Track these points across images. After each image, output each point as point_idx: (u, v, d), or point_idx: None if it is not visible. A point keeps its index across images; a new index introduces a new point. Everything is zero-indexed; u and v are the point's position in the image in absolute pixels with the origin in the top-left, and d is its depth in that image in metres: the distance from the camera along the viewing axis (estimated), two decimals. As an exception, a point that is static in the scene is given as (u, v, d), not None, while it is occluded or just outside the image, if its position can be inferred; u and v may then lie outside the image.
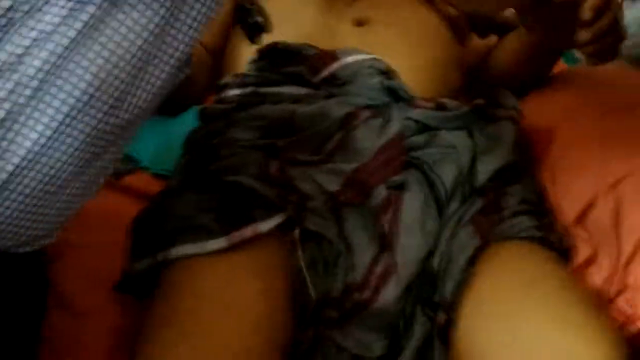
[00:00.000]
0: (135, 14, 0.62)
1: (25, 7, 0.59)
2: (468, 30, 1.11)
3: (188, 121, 1.04)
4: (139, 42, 0.62)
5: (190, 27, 0.67)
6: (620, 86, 0.98)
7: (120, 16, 0.62)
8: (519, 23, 0.97)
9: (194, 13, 0.66)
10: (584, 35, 0.79)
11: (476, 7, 0.82)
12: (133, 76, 0.64)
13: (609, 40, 0.80)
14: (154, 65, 0.65)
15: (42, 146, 0.61)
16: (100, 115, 0.63)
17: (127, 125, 0.68)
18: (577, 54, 1.33)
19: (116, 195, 0.95)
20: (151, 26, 0.62)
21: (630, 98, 0.94)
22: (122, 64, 0.62)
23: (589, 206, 0.86)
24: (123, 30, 0.62)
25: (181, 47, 0.67)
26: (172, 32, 0.65)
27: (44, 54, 0.60)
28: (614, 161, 0.86)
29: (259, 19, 0.91)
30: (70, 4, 0.59)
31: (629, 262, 0.81)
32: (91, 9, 0.60)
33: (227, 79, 1.01)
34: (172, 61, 0.66)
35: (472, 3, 0.79)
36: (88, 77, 0.61)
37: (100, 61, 0.61)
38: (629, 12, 1.10)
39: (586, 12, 0.77)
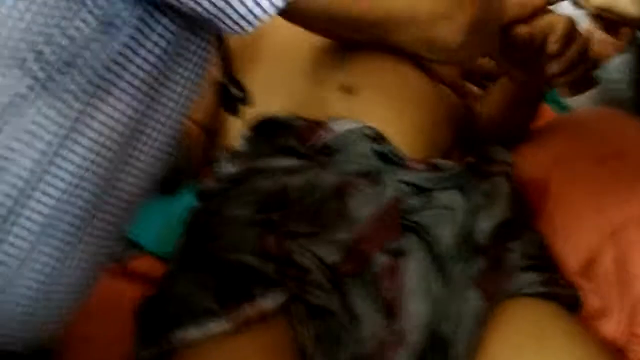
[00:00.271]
0: (118, 104, 0.63)
1: (13, 110, 0.60)
2: (463, 86, 1.13)
3: (188, 201, 1.04)
4: (121, 128, 0.63)
5: (172, 110, 0.68)
6: (609, 132, 0.98)
7: (104, 107, 0.63)
8: (496, 69, 0.99)
9: (175, 97, 0.68)
10: (553, 67, 0.79)
11: (447, 59, 0.83)
12: (117, 163, 0.64)
13: (580, 70, 0.80)
14: (137, 150, 0.66)
15: (33, 244, 0.62)
16: (88, 206, 0.64)
17: (120, 212, 0.68)
18: (563, 98, 1.34)
19: (120, 282, 0.95)
20: (130, 112, 0.63)
21: (620, 144, 0.95)
22: (105, 152, 0.63)
23: (592, 256, 0.85)
24: (105, 120, 0.63)
25: (164, 129, 0.68)
26: (154, 115, 0.66)
27: (33, 154, 0.60)
28: (611, 209, 0.86)
29: (237, 92, 0.92)
30: (58, 104, 0.60)
31: (636, 310, 0.80)
32: (78, 105, 0.61)
33: (220, 154, 1.02)
34: (155, 144, 0.67)
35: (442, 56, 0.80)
36: (77, 171, 0.62)
37: (84, 152, 0.62)
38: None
39: (552, 45, 0.78)
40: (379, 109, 1.00)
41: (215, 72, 1.08)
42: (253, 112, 0.95)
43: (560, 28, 0.77)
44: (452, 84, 1.12)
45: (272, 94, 1.00)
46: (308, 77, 1.06)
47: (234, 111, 0.92)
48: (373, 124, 0.96)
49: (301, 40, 1.09)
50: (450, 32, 0.70)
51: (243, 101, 0.91)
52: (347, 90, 1.03)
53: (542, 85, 1.03)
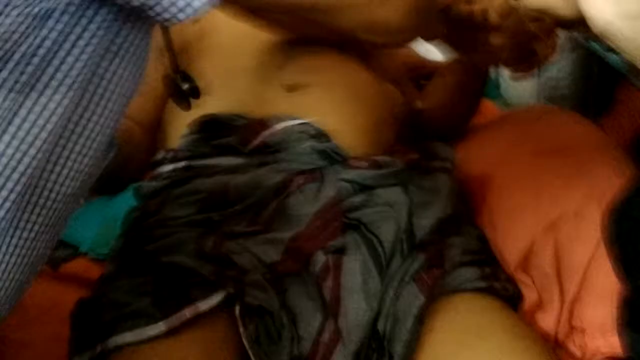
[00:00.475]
0: (43, 99, 0.61)
1: None
2: (407, 81, 1.13)
3: (127, 201, 1.02)
4: (49, 126, 0.61)
5: (105, 108, 0.66)
6: (550, 128, 1.00)
7: (28, 103, 0.61)
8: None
9: (108, 94, 0.66)
10: (497, 38, 0.82)
11: (389, 41, 0.85)
12: (46, 162, 0.62)
13: (522, 41, 0.83)
14: (68, 149, 0.64)
15: None
16: (14, 206, 0.61)
17: (53, 214, 0.66)
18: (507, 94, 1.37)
19: (55, 285, 0.92)
20: (60, 110, 0.61)
21: (560, 140, 0.96)
22: (32, 151, 0.61)
23: (529, 250, 0.86)
24: (32, 117, 0.61)
25: (97, 128, 0.66)
26: (86, 114, 0.64)
27: None
28: (549, 203, 0.87)
29: (186, 85, 0.91)
30: None
31: (573, 303, 0.82)
32: (7, 101, 0.59)
33: (160, 154, 1.00)
34: (89, 143, 0.65)
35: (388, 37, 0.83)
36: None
37: (10, 151, 0.60)
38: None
39: (493, 16, 0.80)
40: (323, 106, 0.99)
41: (157, 68, 1.07)
42: (199, 109, 0.94)
43: (498, 2, 0.80)
44: (397, 82, 1.12)
45: (216, 92, 0.99)
46: (252, 75, 1.05)
47: (185, 105, 0.91)
48: (316, 122, 0.95)
49: (246, 39, 1.08)
50: (391, 13, 0.71)
51: (193, 94, 0.90)
52: (291, 88, 1.02)
53: (486, 71, 1.05)
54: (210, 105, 0.97)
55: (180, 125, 0.99)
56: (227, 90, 1.03)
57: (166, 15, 0.61)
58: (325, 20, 0.73)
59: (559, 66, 1.24)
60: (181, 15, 0.60)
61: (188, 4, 0.60)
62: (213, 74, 1.03)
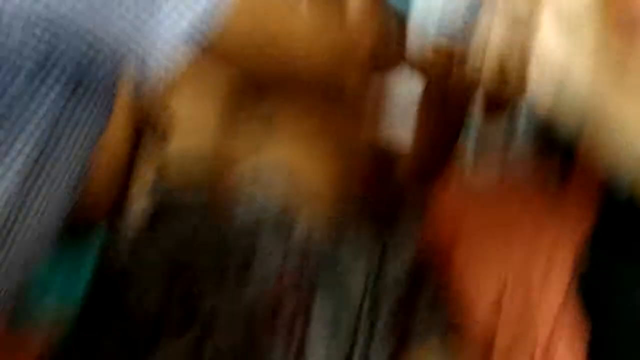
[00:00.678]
0: (10, 139, 0.61)
1: None
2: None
3: (95, 246, 1.01)
4: (14, 178, 0.61)
5: (70, 155, 0.66)
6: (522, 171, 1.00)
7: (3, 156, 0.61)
8: None
9: (71, 142, 0.66)
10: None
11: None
12: (7, 216, 0.62)
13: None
14: (35, 195, 0.64)
15: None
16: None
17: (13, 269, 0.65)
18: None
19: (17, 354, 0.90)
20: (31, 152, 0.61)
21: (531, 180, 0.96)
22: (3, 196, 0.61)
23: (500, 297, 0.86)
24: (10, 170, 0.60)
25: (65, 176, 0.66)
26: (51, 162, 0.64)
27: None
28: (518, 245, 0.87)
29: (156, 130, 0.91)
30: None
31: (544, 354, 0.81)
32: None
33: (129, 200, 0.99)
34: (50, 197, 0.65)
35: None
36: None
37: None
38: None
39: None
40: (295, 142, 1.00)
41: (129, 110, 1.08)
42: (172, 146, 0.95)
43: None
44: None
45: (189, 127, 0.99)
46: (226, 110, 1.06)
47: (156, 148, 0.91)
48: (288, 158, 0.96)
49: (216, 81, 1.08)
50: (354, 74, 0.71)
51: (162, 139, 0.90)
52: (264, 122, 1.03)
53: (463, 105, 1.06)
54: (184, 140, 0.97)
55: (149, 168, 0.99)
56: (200, 124, 1.03)
57: (143, 79, 0.61)
58: (284, 56, 0.73)
59: (526, 111, 1.25)
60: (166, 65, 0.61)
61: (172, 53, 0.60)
62: (188, 109, 1.03)
